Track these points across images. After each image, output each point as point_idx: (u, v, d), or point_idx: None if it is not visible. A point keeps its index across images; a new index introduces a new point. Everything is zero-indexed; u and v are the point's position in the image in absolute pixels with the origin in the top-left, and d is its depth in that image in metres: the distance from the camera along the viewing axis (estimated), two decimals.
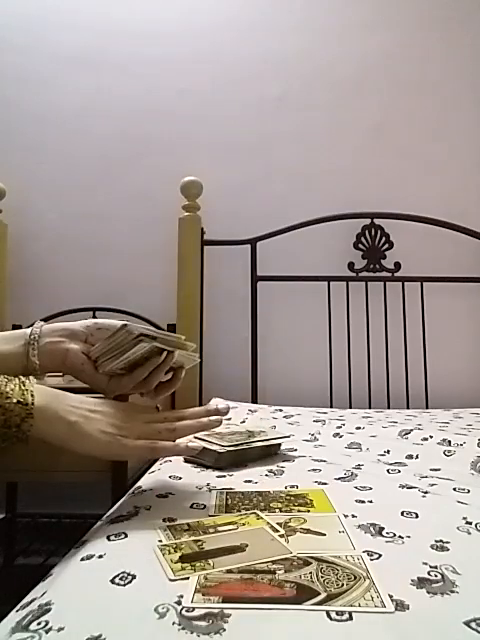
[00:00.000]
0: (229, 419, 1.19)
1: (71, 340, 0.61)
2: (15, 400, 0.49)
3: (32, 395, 0.50)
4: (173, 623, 0.31)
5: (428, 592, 0.35)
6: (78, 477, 1.04)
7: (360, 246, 1.72)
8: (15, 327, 1.66)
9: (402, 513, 0.51)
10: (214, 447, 0.71)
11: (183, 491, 0.60)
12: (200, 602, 0.33)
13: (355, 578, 0.36)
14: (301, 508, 0.52)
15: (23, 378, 0.52)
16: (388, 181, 1.77)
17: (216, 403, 0.61)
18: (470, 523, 0.48)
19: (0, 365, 0.54)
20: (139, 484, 0.65)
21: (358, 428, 0.99)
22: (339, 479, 0.64)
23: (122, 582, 0.37)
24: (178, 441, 0.56)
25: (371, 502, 0.55)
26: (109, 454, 0.51)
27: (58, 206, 1.78)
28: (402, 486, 0.61)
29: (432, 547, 0.43)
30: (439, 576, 0.37)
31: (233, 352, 1.70)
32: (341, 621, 0.31)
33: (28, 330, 0.61)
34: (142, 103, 1.81)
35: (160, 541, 0.44)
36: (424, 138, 1.79)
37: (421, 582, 0.36)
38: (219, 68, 1.81)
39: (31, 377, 0.54)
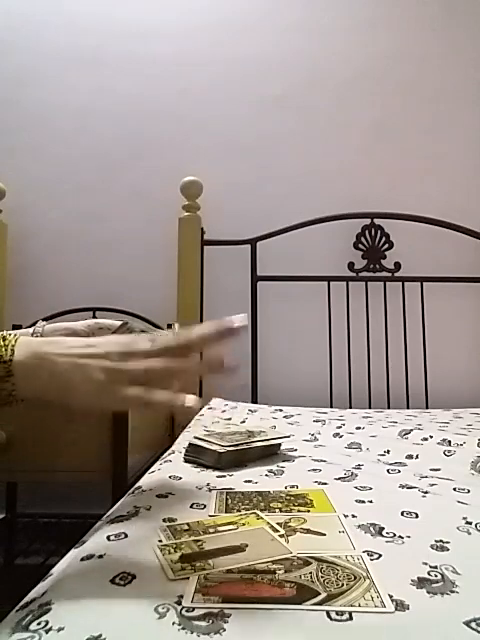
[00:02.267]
0: (229, 419, 1.20)
1: None
2: None
3: (12, 350, 0.44)
4: (173, 623, 0.31)
5: (428, 592, 0.35)
6: (78, 477, 1.04)
7: (360, 246, 1.72)
8: (15, 327, 1.66)
9: (402, 513, 0.51)
10: (214, 447, 0.71)
11: (183, 491, 0.60)
12: (200, 602, 0.33)
13: (355, 578, 0.36)
14: (301, 508, 0.52)
15: (6, 333, 0.46)
16: (388, 181, 1.77)
17: (232, 321, 0.48)
18: (470, 523, 0.48)
19: None
20: (139, 484, 0.65)
21: (358, 428, 0.99)
22: (339, 479, 0.64)
23: (122, 582, 0.37)
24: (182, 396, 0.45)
25: (371, 502, 0.55)
26: (101, 407, 0.44)
27: (58, 206, 1.78)
28: (402, 486, 0.61)
29: (432, 547, 0.42)
30: (439, 576, 0.37)
31: (233, 352, 1.70)
32: (341, 621, 0.31)
33: (30, 329, 0.62)
34: (142, 103, 1.81)
35: (160, 541, 0.44)
36: (424, 138, 1.79)
37: (421, 582, 0.36)
38: (219, 68, 1.81)
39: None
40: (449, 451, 0.78)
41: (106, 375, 0.44)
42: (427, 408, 1.57)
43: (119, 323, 0.59)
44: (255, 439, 0.75)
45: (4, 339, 0.45)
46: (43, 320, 1.61)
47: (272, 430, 0.85)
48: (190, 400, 0.43)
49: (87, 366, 0.44)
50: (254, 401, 1.60)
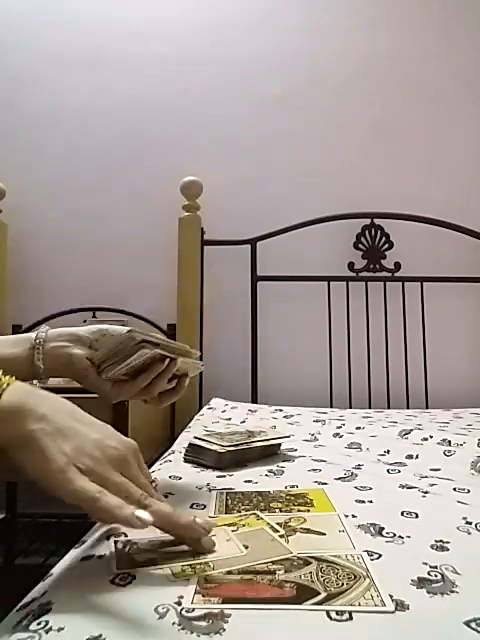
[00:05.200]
0: (229, 419, 1.20)
1: (76, 345, 0.61)
2: None
3: (1, 394, 0.41)
4: (173, 623, 0.31)
5: (428, 592, 0.35)
6: None
7: (360, 246, 1.72)
8: (15, 327, 1.66)
9: (402, 513, 0.51)
10: (214, 447, 0.71)
11: (183, 491, 0.60)
12: (200, 603, 0.33)
13: (355, 578, 0.36)
14: (301, 508, 0.52)
15: (5, 377, 0.43)
16: (388, 181, 1.77)
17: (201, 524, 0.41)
18: (470, 523, 0.48)
19: (6, 368, 0.46)
20: None
21: (358, 428, 0.99)
22: (339, 479, 0.64)
23: (122, 582, 0.37)
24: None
25: (371, 502, 0.55)
26: (48, 484, 0.38)
27: (58, 206, 1.78)
28: (402, 486, 0.61)
29: (432, 547, 0.42)
30: (439, 576, 0.37)
31: (233, 352, 1.70)
32: (341, 621, 0.31)
33: (34, 334, 0.61)
34: (142, 103, 1.81)
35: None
36: (424, 138, 1.79)
37: (421, 582, 0.36)
38: (219, 68, 1.81)
39: (35, 380, 0.50)
40: (449, 451, 0.78)
41: (78, 458, 0.39)
42: (427, 408, 1.57)
43: (125, 330, 0.58)
44: (255, 439, 0.75)
45: None
46: (43, 320, 1.61)
47: (272, 430, 0.85)
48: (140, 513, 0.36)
49: (66, 438, 0.40)
50: (254, 401, 1.60)
